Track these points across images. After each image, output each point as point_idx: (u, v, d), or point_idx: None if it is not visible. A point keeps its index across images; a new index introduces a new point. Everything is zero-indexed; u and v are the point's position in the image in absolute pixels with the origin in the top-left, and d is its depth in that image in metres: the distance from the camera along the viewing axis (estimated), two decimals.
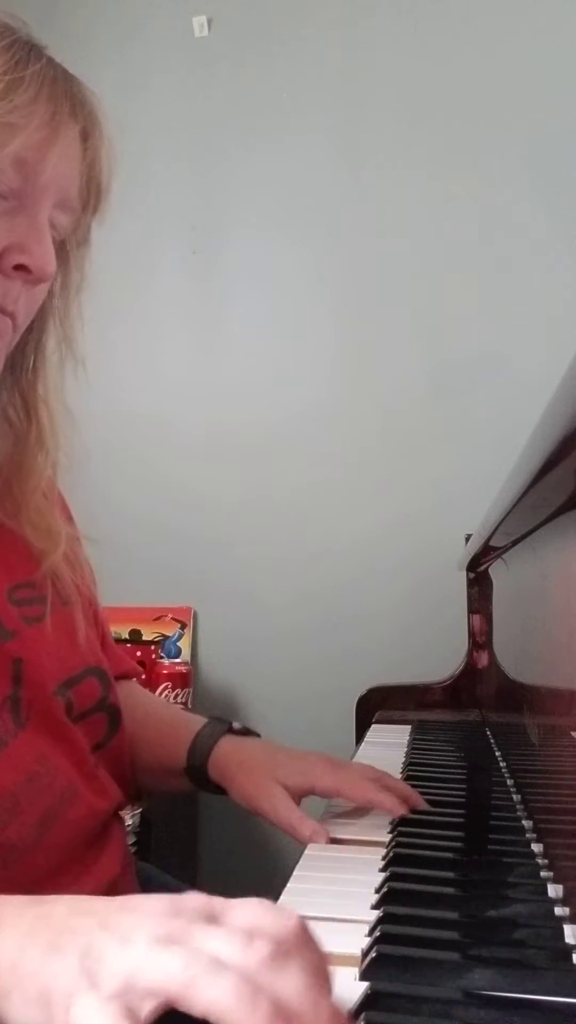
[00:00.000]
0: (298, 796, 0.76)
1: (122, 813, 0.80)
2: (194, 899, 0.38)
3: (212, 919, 0.37)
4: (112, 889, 0.69)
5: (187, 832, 1.90)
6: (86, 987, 0.35)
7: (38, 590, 0.71)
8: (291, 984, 0.34)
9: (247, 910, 0.37)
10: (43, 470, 0.72)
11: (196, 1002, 0.33)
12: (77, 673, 0.72)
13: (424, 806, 0.77)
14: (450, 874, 0.63)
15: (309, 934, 0.37)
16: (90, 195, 0.67)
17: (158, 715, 0.88)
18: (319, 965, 0.36)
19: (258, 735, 0.84)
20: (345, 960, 0.47)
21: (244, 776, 0.77)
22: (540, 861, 0.65)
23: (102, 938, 0.36)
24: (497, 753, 1.09)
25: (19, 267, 0.61)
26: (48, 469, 0.72)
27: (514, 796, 0.87)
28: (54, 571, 0.72)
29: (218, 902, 0.38)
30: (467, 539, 1.37)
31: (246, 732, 0.83)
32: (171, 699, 1.80)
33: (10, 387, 0.71)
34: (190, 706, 1.85)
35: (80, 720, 0.72)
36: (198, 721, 0.84)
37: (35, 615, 0.69)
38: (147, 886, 0.81)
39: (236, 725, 0.83)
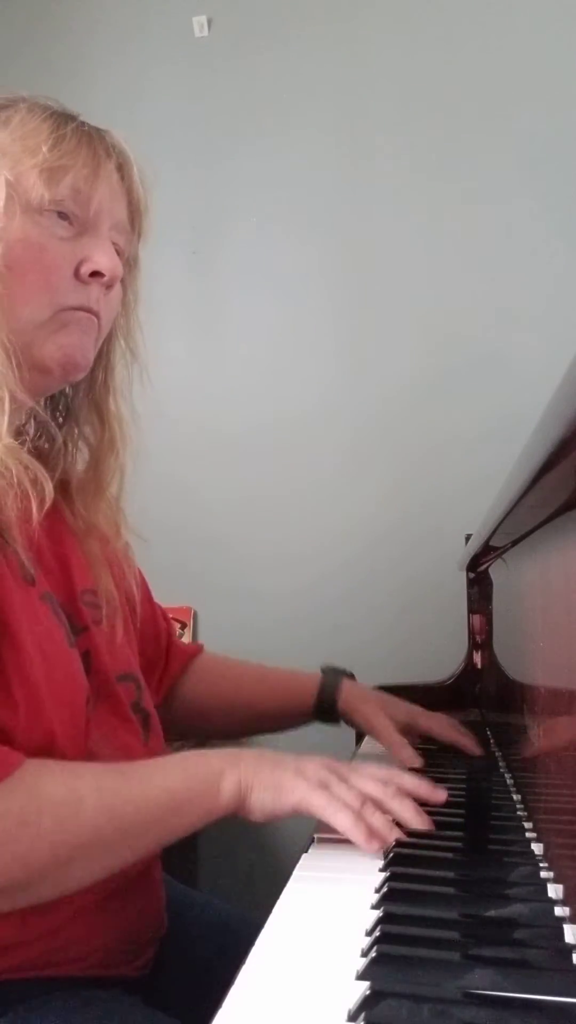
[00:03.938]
0: (401, 728, 1.02)
1: None
2: (333, 762, 0.74)
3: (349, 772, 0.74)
4: (140, 875, 0.78)
5: None
6: (302, 780, 0.70)
7: (97, 597, 0.83)
8: (397, 805, 0.71)
9: (366, 770, 0.75)
10: (114, 470, 0.86)
11: (391, 808, 0.71)
12: (121, 673, 0.83)
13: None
14: (450, 874, 0.63)
15: (403, 783, 0.75)
16: (134, 218, 0.83)
17: (272, 671, 1.12)
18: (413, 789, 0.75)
19: (354, 676, 1.12)
20: (345, 960, 0.47)
21: (367, 707, 1.04)
22: (540, 861, 0.65)
23: (303, 766, 0.71)
24: (497, 753, 1.09)
25: (94, 274, 0.76)
26: (118, 470, 0.86)
27: (514, 796, 0.87)
28: (105, 586, 0.84)
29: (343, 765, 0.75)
30: (467, 539, 1.37)
31: (353, 676, 1.11)
32: None
33: (88, 405, 0.86)
34: None
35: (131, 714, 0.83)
36: (313, 673, 1.09)
37: (96, 618, 0.82)
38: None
39: (349, 671, 1.10)
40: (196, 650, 1.12)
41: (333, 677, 1.08)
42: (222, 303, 2.03)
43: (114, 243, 0.79)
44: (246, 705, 1.08)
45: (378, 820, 0.69)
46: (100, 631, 0.81)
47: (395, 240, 1.92)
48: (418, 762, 0.96)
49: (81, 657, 0.77)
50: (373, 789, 0.71)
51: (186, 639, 1.99)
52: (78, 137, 0.77)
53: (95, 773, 0.68)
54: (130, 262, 0.84)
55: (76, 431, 0.87)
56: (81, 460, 0.87)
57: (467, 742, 1.08)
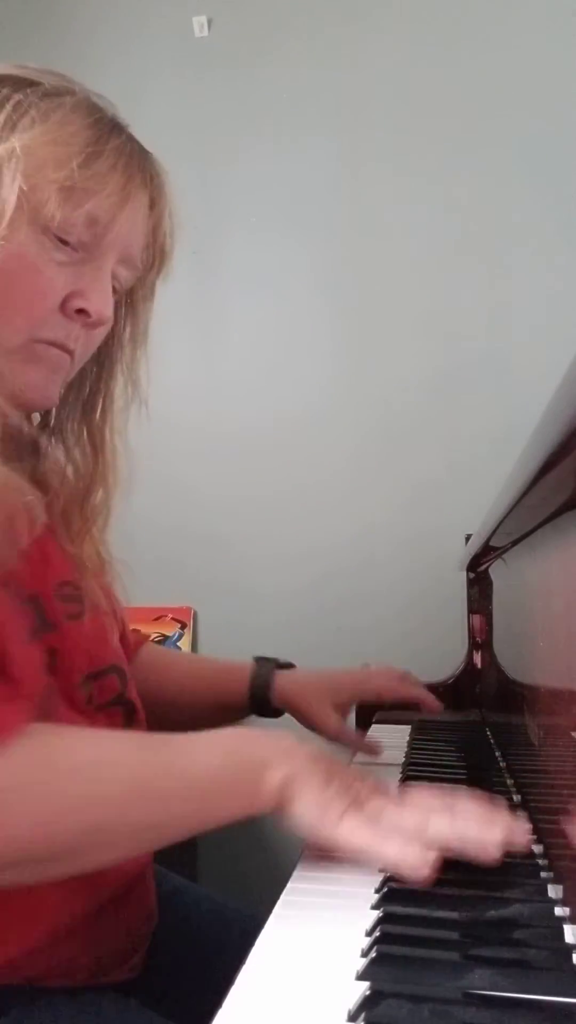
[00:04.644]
0: (348, 706, 1.00)
1: None
2: (388, 787, 0.64)
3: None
4: (136, 882, 0.74)
5: None
6: (354, 812, 0.60)
7: (78, 589, 0.77)
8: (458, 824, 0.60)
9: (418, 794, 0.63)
10: (102, 503, 0.81)
11: (455, 836, 0.59)
12: (103, 668, 0.78)
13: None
14: (450, 874, 0.63)
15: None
16: (154, 256, 0.78)
17: (204, 662, 1.06)
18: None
19: (293, 666, 1.02)
20: (345, 960, 0.47)
21: (304, 697, 0.96)
22: (540, 861, 0.65)
23: (358, 791, 0.62)
24: (497, 753, 1.09)
25: (80, 311, 0.69)
26: (107, 503, 0.81)
27: (514, 796, 0.87)
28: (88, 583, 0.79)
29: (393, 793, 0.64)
30: (467, 539, 1.37)
31: (288, 665, 1.02)
32: None
33: (78, 429, 0.81)
34: None
35: (99, 711, 0.76)
36: (245, 663, 0.99)
37: (75, 612, 0.76)
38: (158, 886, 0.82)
39: (281, 660, 1.01)
40: (142, 639, 1.03)
41: (264, 667, 0.99)
42: (222, 303, 2.03)
43: (115, 277, 0.73)
44: (178, 699, 0.98)
45: (443, 829, 0.59)
46: (77, 626, 0.75)
47: (395, 240, 1.92)
48: (379, 750, 1.00)
49: (47, 656, 0.70)
50: (437, 808, 0.61)
51: (186, 639, 1.99)
52: (115, 158, 0.69)
53: (130, 739, 0.65)
54: (143, 296, 0.80)
55: (64, 450, 0.81)
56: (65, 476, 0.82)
57: (422, 695, 1.08)
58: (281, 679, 0.97)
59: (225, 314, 2.03)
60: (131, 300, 0.79)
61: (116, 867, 0.67)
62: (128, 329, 0.80)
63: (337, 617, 1.90)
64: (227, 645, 1.99)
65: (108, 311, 0.71)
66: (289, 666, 1.02)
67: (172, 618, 2.01)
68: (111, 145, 0.69)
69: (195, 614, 2.02)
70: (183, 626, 2.01)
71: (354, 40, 1.96)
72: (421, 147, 1.91)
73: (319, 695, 0.97)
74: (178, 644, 1.99)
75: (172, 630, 2.00)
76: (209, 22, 2.03)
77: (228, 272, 2.03)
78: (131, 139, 0.72)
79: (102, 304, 0.70)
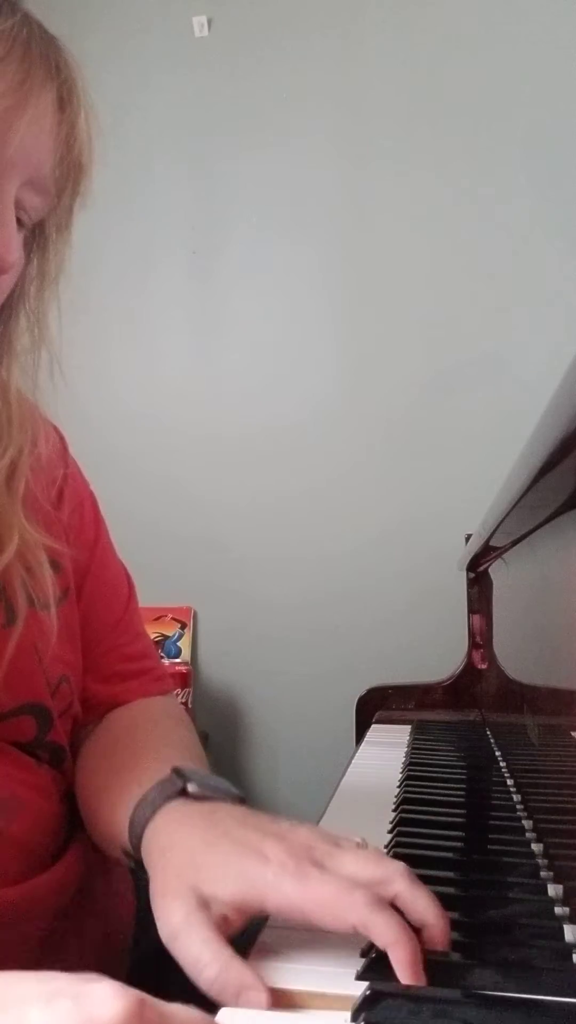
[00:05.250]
0: (235, 918, 0.45)
1: None
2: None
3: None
4: (81, 893, 0.63)
5: None
6: None
7: None
8: None
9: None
10: (7, 466, 0.60)
11: None
12: (3, 711, 0.60)
13: (443, 944, 0.45)
14: (450, 874, 0.63)
15: None
16: (68, 173, 0.58)
17: (120, 752, 0.63)
18: None
19: (239, 796, 0.53)
20: (344, 960, 0.47)
21: (158, 875, 0.48)
22: (540, 861, 0.65)
23: None
24: (497, 753, 1.09)
25: None
26: (3, 461, 0.60)
27: (514, 796, 0.87)
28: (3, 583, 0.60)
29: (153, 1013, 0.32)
30: (467, 539, 1.37)
31: (215, 793, 0.52)
32: None
33: None
34: (190, 707, 1.85)
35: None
36: (160, 768, 0.55)
37: None
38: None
39: (192, 788, 0.52)
40: (155, 693, 0.74)
41: (158, 792, 0.53)
42: (222, 303, 2.03)
43: (21, 207, 0.56)
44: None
45: None
46: None
47: (395, 240, 1.92)
48: (262, 998, 0.41)
49: None
50: None
51: (186, 639, 1.99)
52: (7, 46, 0.51)
53: None
54: (57, 225, 0.61)
55: None
56: None
57: (379, 929, 0.43)
58: (161, 820, 0.51)
59: (225, 315, 2.03)
60: (41, 229, 0.60)
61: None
62: (36, 264, 0.62)
63: (337, 616, 1.90)
64: (227, 645, 1.99)
65: (12, 254, 0.54)
66: (218, 794, 0.53)
67: (172, 618, 2.01)
68: (1, 29, 0.51)
69: (195, 614, 2.02)
70: (183, 626, 2.01)
71: (354, 40, 1.96)
72: (421, 147, 1.91)
73: (180, 866, 0.47)
74: (178, 644, 1.99)
75: (172, 630, 2.00)
76: (209, 22, 2.03)
77: (228, 272, 2.03)
78: (29, 20, 0.54)
79: (4, 245, 0.53)
